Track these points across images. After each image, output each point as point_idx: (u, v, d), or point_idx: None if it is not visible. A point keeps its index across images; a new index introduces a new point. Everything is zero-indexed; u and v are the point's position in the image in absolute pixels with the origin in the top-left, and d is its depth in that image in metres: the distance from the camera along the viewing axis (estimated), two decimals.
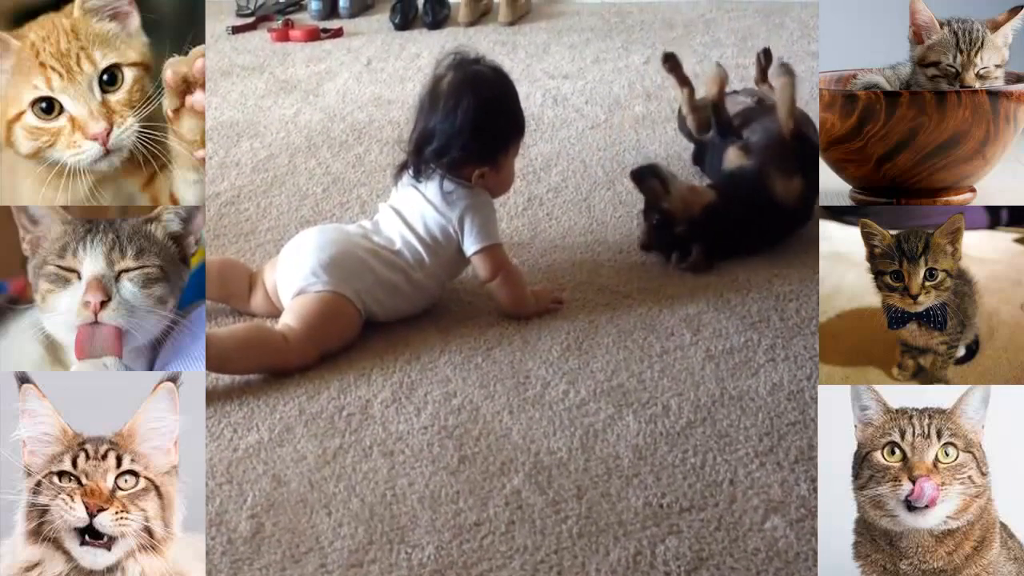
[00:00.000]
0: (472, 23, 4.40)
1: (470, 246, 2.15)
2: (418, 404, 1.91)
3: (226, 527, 1.62)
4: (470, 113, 2.11)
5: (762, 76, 2.88)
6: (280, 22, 4.44)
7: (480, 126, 2.12)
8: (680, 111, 2.87)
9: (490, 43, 4.07)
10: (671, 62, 2.83)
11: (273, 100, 3.54)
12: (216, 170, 2.91)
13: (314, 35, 4.29)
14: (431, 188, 2.16)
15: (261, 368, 1.99)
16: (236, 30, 4.41)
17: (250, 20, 4.54)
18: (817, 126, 2.45)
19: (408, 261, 2.14)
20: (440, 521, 1.63)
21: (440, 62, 2.19)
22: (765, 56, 2.90)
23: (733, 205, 2.39)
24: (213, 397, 1.91)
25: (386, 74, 3.78)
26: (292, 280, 2.10)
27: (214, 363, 1.90)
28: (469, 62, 2.18)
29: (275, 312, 2.13)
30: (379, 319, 2.13)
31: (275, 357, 1.99)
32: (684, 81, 2.82)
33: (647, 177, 2.38)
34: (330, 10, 4.59)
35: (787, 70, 2.46)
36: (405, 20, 4.40)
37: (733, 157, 2.51)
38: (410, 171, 2.19)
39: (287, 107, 3.46)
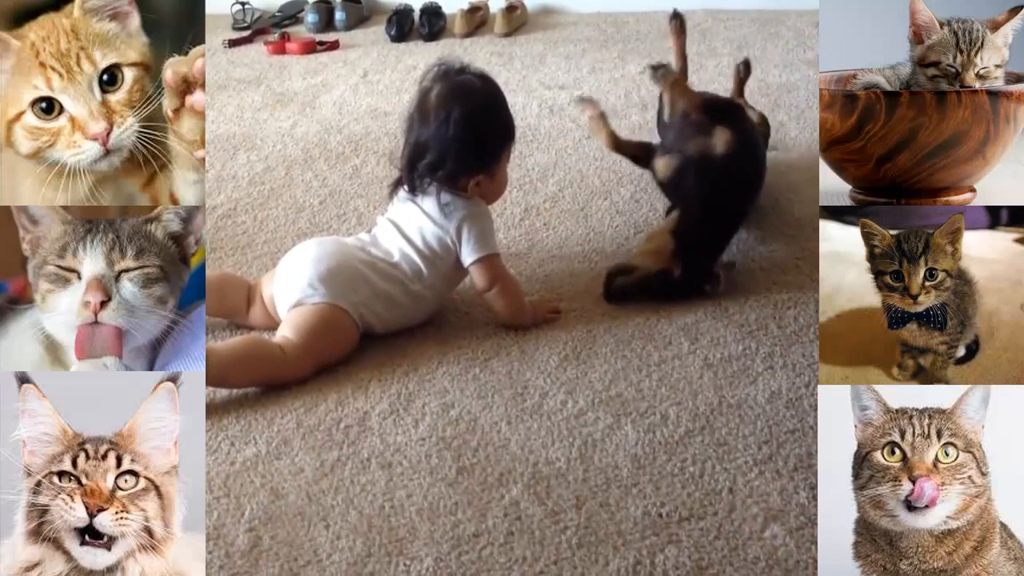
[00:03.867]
0: (468, 34, 4.40)
1: (468, 256, 2.15)
2: (416, 415, 1.90)
3: (224, 540, 1.61)
4: (460, 124, 2.10)
5: (739, 89, 2.87)
6: (276, 35, 4.43)
7: (472, 135, 2.12)
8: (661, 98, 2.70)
9: (486, 54, 4.07)
10: (678, 21, 2.79)
11: (270, 113, 3.53)
12: (213, 183, 2.90)
13: (310, 48, 4.29)
14: (428, 202, 2.15)
15: (259, 381, 1.98)
16: (232, 43, 4.41)
17: (246, 34, 4.53)
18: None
19: (406, 273, 2.13)
20: (439, 532, 1.62)
21: (425, 75, 2.18)
22: (744, 68, 2.87)
23: (689, 205, 2.32)
24: (211, 410, 1.90)
25: (383, 86, 3.78)
26: (289, 292, 2.10)
27: (212, 377, 1.90)
28: (454, 72, 2.17)
29: (273, 324, 2.12)
30: (377, 331, 2.12)
31: (273, 370, 1.99)
32: (682, 53, 2.78)
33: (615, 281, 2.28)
34: (326, 23, 4.59)
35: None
36: (401, 32, 4.39)
37: (661, 167, 2.43)
38: (405, 187, 2.18)
39: (284, 120, 3.45)
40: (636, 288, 2.26)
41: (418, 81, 2.21)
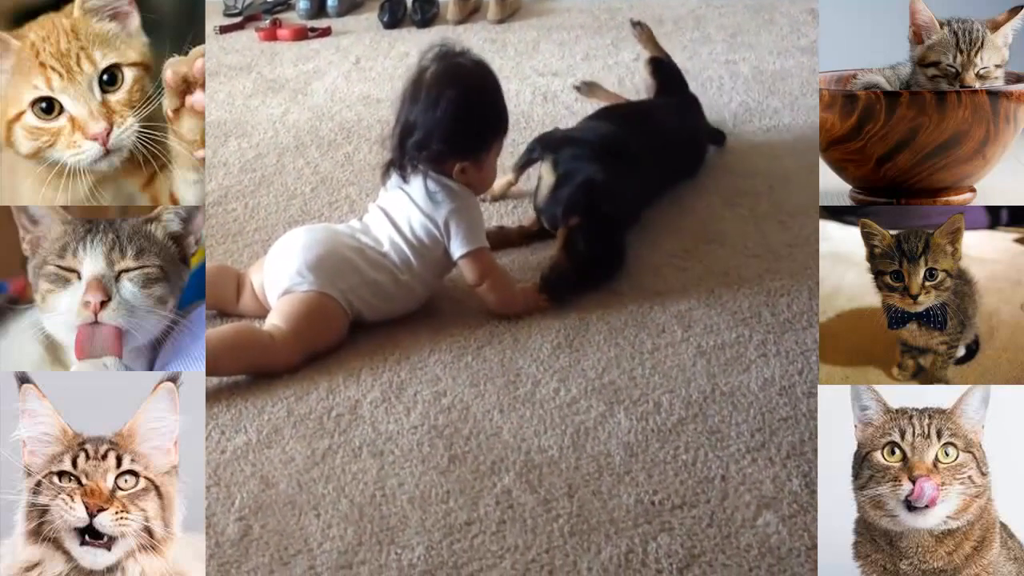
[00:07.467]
0: (461, 21, 4.38)
1: (456, 250, 2.13)
2: (408, 404, 1.89)
3: (214, 529, 1.61)
4: (451, 105, 2.09)
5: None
6: (268, 21, 4.42)
7: (461, 119, 2.10)
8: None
9: (479, 41, 4.05)
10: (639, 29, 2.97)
11: (261, 99, 3.52)
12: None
13: (302, 34, 4.27)
14: (417, 189, 2.13)
15: (249, 369, 1.97)
16: (224, 30, 4.39)
17: (238, 20, 4.52)
18: None
19: (395, 263, 2.12)
20: (430, 521, 1.61)
21: (425, 54, 2.17)
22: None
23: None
24: None
25: (375, 73, 3.76)
26: (279, 280, 2.09)
27: None
28: (453, 55, 2.16)
29: (262, 312, 2.11)
30: (366, 320, 2.11)
31: (262, 357, 1.98)
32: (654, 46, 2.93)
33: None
34: (318, 9, 4.57)
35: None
36: (394, 18, 4.38)
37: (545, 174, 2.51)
38: (395, 167, 2.17)
39: (275, 106, 3.44)
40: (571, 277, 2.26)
41: (418, 58, 2.19)
